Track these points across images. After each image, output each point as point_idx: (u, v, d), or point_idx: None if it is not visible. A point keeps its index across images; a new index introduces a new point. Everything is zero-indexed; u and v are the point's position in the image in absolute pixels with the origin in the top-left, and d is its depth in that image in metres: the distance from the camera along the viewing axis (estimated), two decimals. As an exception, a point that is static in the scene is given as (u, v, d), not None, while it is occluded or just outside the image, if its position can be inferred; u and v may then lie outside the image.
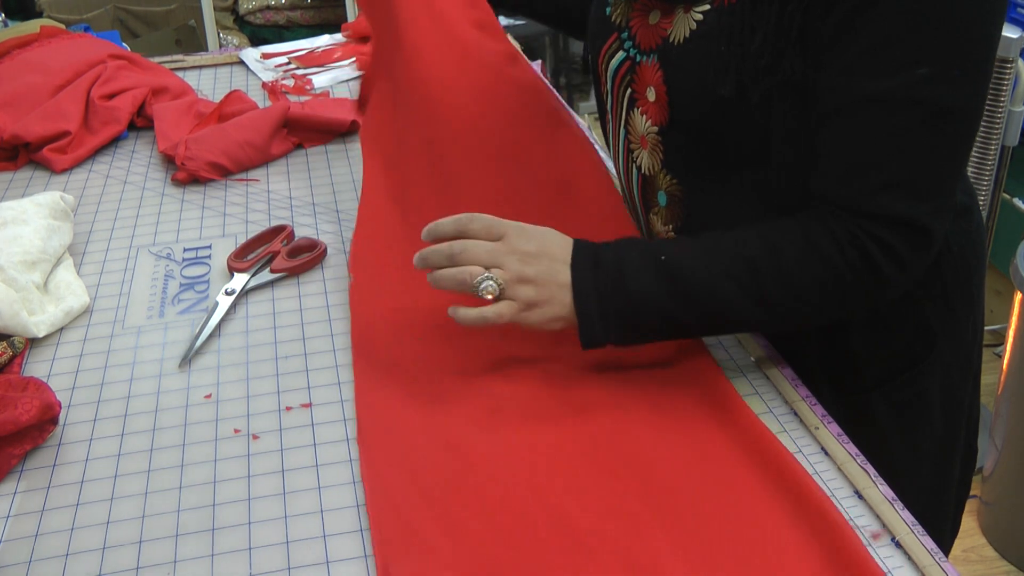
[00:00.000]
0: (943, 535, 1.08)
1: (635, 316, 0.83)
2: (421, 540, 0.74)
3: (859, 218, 0.79)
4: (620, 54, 0.93)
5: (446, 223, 0.86)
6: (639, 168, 0.95)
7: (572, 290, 0.83)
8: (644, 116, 0.91)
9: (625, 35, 0.92)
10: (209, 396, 0.89)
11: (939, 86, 0.75)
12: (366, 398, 0.88)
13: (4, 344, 0.93)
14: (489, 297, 0.83)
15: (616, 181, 1.06)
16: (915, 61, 0.74)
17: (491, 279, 0.83)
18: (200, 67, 1.64)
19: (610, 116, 0.98)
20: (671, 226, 0.95)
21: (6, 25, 1.86)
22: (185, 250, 1.12)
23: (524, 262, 0.84)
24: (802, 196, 0.84)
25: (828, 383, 0.93)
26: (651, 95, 0.89)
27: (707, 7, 0.83)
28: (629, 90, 0.93)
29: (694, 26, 0.84)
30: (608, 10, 0.95)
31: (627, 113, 0.94)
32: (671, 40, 0.86)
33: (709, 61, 0.82)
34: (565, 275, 0.84)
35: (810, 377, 0.90)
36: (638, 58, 0.90)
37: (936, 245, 0.80)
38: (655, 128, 0.90)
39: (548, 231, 0.86)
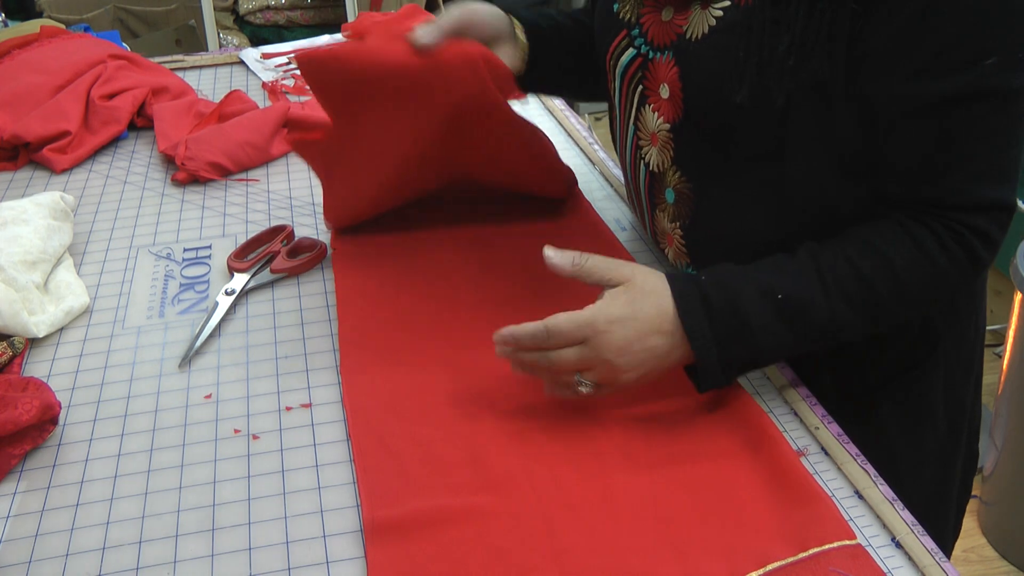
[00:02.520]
0: (944, 536, 1.08)
1: (757, 358, 0.83)
2: (399, 463, 0.80)
3: (951, 211, 0.81)
4: (630, 51, 0.92)
5: (523, 336, 0.80)
6: (647, 165, 0.95)
7: (690, 341, 0.79)
8: (656, 113, 0.91)
9: (636, 32, 0.92)
10: (209, 396, 0.89)
11: (1008, 72, 0.77)
12: (348, 342, 0.94)
13: (4, 344, 0.93)
14: (586, 392, 0.81)
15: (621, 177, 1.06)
16: (985, 52, 0.76)
17: (584, 383, 0.81)
18: (200, 67, 1.64)
19: (618, 113, 0.98)
20: (678, 223, 0.95)
21: (6, 25, 1.86)
22: (185, 250, 1.12)
23: (615, 360, 0.79)
24: (814, 194, 0.85)
25: (832, 383, 0.93)
26: (664, 92, 0.89)
27: (727, 3, 0.83)
28: (640, 87, 0.92)
29: (713, 22, 0.84)
30: (616, 7, 0.94)
31: (637, 110, 0.94)
32: (688, 36, 0.86)
33: (728, 59, 0.82)
34: (664, 346, 0.80)
35: (814, 377, 0.90)
36: (651, 55, 0.90)
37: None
38: (667, 125, 0.90)
39: (635, 299, 0.80)
